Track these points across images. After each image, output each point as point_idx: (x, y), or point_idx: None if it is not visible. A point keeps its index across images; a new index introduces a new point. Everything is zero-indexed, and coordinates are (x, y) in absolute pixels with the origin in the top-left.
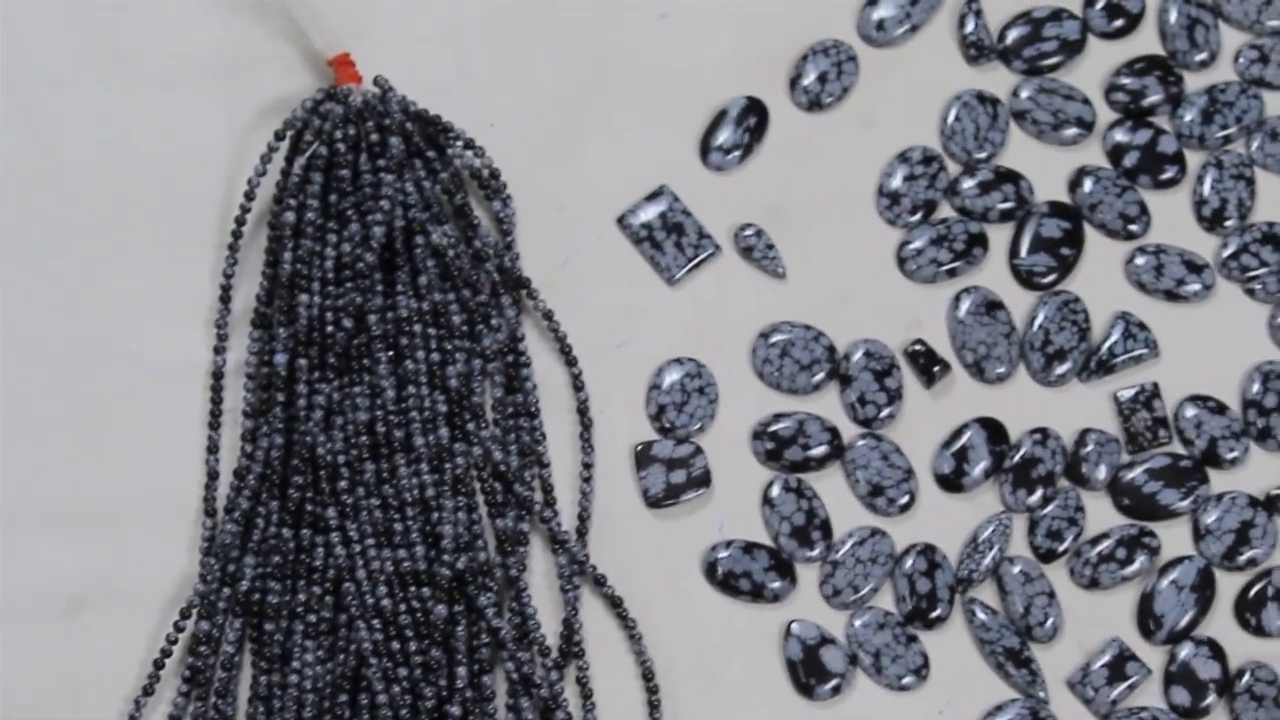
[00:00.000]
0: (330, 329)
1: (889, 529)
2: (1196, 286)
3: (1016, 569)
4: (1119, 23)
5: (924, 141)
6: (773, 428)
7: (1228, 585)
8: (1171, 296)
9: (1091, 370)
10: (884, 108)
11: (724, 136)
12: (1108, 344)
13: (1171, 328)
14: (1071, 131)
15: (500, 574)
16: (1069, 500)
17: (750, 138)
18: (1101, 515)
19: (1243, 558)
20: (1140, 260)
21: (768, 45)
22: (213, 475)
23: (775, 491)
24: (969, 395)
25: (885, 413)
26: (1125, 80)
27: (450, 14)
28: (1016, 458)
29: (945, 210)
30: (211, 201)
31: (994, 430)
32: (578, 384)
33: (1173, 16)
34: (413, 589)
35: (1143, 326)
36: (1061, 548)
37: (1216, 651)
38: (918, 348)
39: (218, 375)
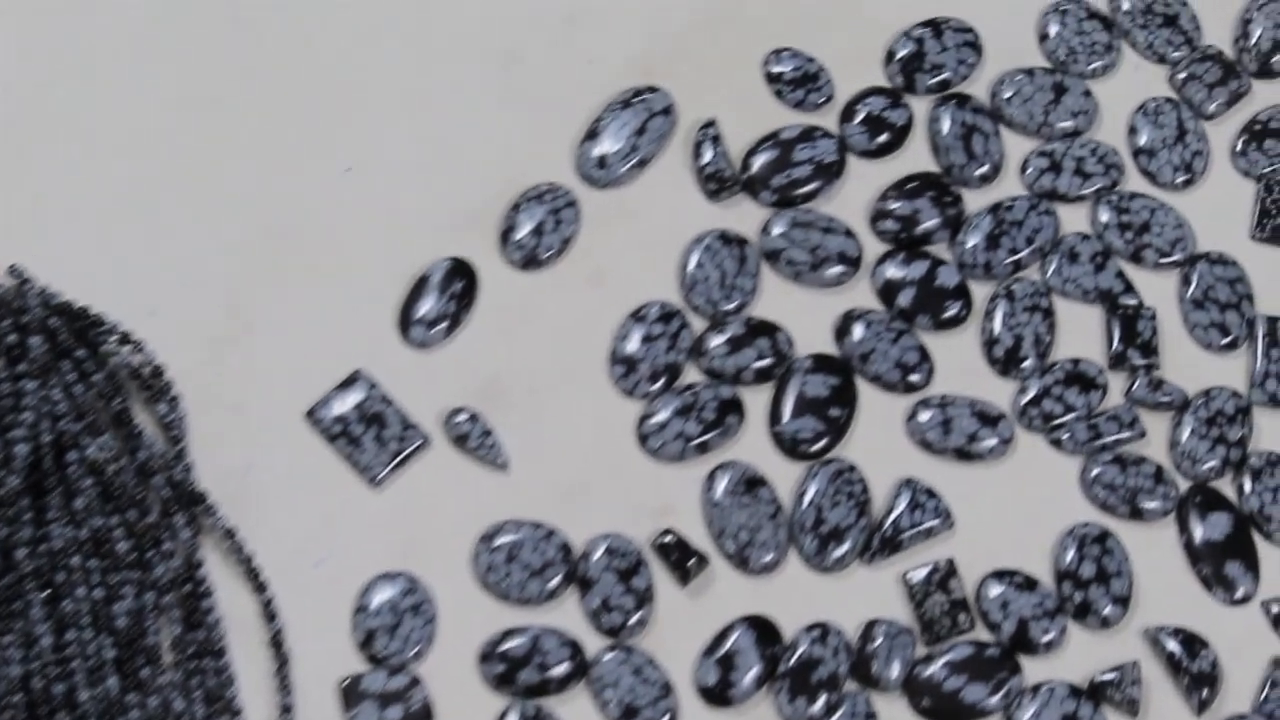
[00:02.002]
0: None
1: None
2: (992, 441)
3: None
4: (882, 138)
5: (661, 295)
6: (503, 647)
7: None
8: (963, 455)
9: (875, 550)
10: (612, 259)
11: (426, 307)
12: (892, 518)
13: (966, 492)
14: (834, 270)
15: None
16: (858, 706)
17: (457, 306)
18: None
19: None
20: (924, 416)
21: (472, 196)
22: None
23: None
24: (732, 590)
25: (634, 619)
26: (894, 205)
27: (96, 185)
28: (793, 660)
29: (691, 375)
30: None
31: (764, 630)
32: (269, 613)
33: (945, 126)
34: None
35: (931, 494)
36: None
37: None
38: (668, 539)
39: None
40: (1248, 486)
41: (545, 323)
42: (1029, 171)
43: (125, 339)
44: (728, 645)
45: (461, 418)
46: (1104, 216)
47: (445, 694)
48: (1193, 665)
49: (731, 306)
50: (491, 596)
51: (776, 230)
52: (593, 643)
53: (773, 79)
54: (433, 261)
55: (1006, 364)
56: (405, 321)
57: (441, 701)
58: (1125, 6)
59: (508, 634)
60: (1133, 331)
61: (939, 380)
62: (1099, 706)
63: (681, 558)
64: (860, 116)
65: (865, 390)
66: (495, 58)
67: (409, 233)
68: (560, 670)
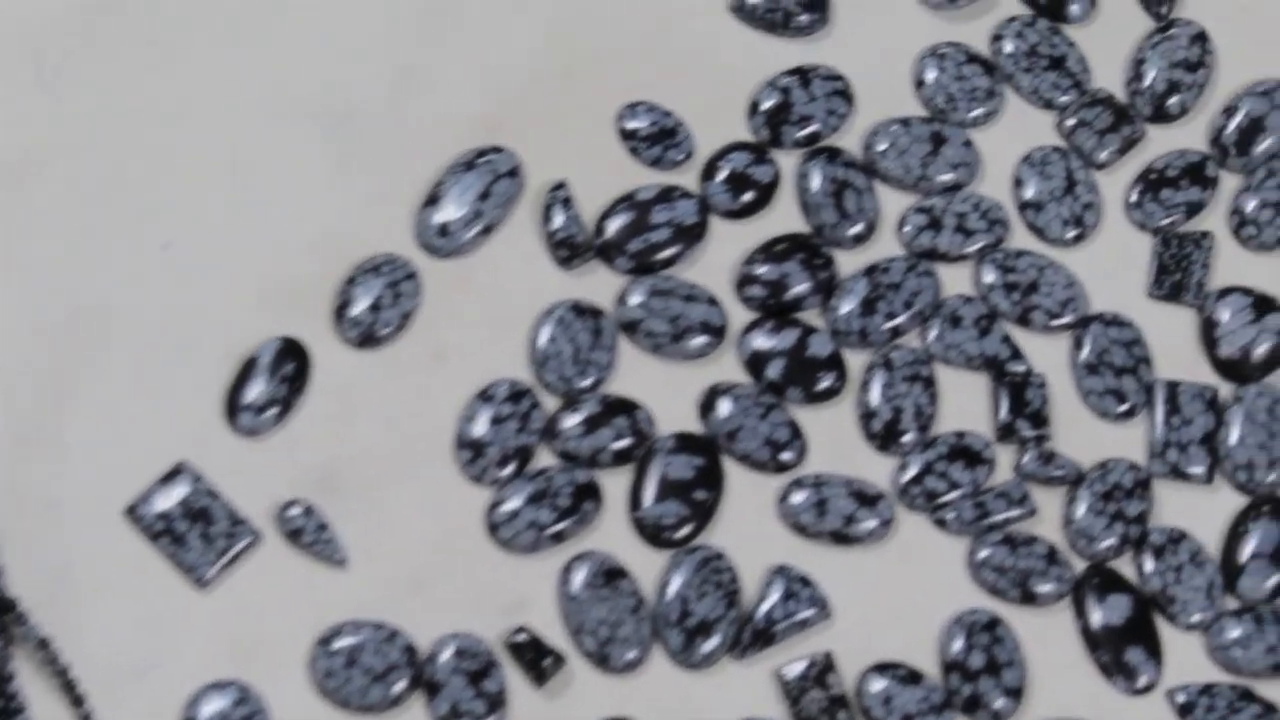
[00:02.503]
0: None
1: None
2: (871, 523)
3: None
4: (747, 197)
5: (510, 373)
6: None
7: None
8: (840, 539)
9: (746, 644)
10: (457, 335)
11: (255, 391)
12: (764, 608)
13: (844, 579)
14: (698, 341)
15: None
16: None
17: (289, 389)
18: None
19: None
20: (797, 497)
21: (303, 270)
22: None
23: None
24: (593, 691)
25: None
26: (761, 269)
27: None
28: None
29: (544, 458)
30: None
31: None
32: None
33: (815, 182)
34: None
35: (806, 582)
36: None
37: None
38: (522, 638)
39: None
40: (1149, 566)
41: (385, 405)
42: (906, 229)
43: None
44: None
45: (295, 511)
46: (989, 277)
47: None
48: None
49: (587, 383)
50: (331, 704)
51: (634, 299)
52: None
53: (627, 135)
54: (261, 342)
55: (885, 439)
56: (232, 408)
57: None
58: (1008, 49)
59: None
60: (1021, 400)
61: (813, 458)
62: None
63: (536, 657)
64: (723, 174)
65: (733, 471)
66: (325, 119)
67: (235, 311)
68: None
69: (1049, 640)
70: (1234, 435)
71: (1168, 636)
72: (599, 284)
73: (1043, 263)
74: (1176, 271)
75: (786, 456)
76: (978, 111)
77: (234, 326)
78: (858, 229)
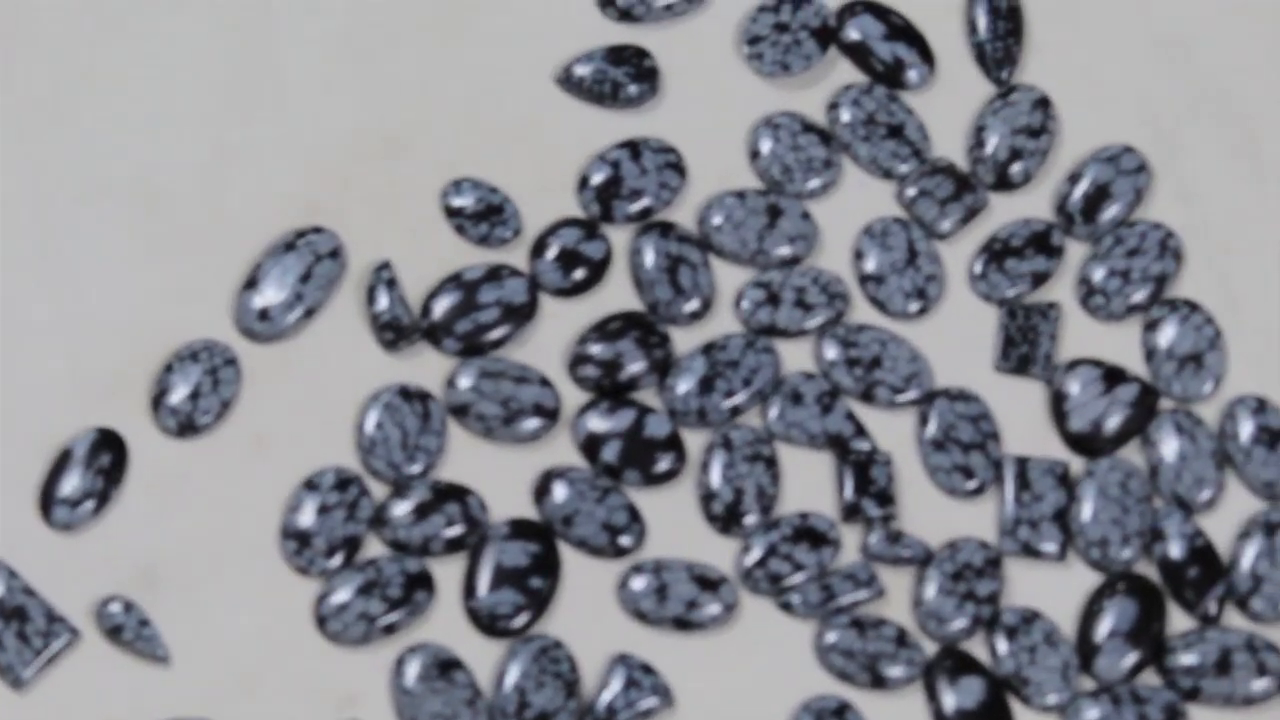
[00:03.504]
0: None
1: None
2: (714, 608)
3: None
4: (578, 274)
5: (336, 460)
6: None
7: None
8: (683, 625)
9: None
10: (280, 422)
11: (70, 484)
12: (606, 699)
13: (687, 667)
14: (530, 424)
15: None
16: None
17: (105, 482)
18: None
19: None
20: (637, 583)
21: (118, 357)
22: None
23: None
24: None
25: None
26: (594, 348)
27: None
28: None
29: (373, 547)
30: None
31: None
32: None
33: (648, 258)
34: None
35: (649, 670)
36: None
37: None
38: None
39: None
40: (1002, 647)
41: (206, 496)
42: (744, 305)
43: None
44: None
45: (114, 607)
46: (830, 352)
47: None
48: None
49: (416, 469)
50: None
51: (463, 382)
52: None
53: (452, 213)
54: (75, 433)
55: (727, 521)
56: (47, 502)
57: None
58: (845, 118)
59: None
60: (866, 479)
61: (652, 543)
62: None
63: None
64: (552, 251)
65: (570, 557)
66: (138, 200)
67: (48, 402)
68: None
69: None
70: (1086, 511)
71: (1023, 719)
72: (426, 367)
73: (885, 337)
74: (1024, 344)
75: (625, 541)
76: (815, 182)
77: (47, 417)
78: (693, 305)
